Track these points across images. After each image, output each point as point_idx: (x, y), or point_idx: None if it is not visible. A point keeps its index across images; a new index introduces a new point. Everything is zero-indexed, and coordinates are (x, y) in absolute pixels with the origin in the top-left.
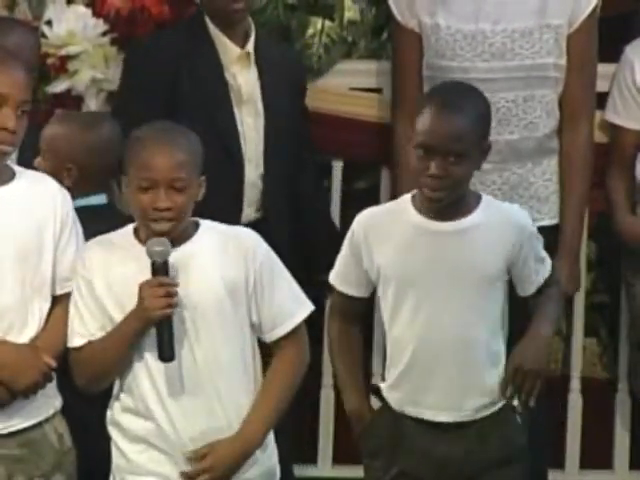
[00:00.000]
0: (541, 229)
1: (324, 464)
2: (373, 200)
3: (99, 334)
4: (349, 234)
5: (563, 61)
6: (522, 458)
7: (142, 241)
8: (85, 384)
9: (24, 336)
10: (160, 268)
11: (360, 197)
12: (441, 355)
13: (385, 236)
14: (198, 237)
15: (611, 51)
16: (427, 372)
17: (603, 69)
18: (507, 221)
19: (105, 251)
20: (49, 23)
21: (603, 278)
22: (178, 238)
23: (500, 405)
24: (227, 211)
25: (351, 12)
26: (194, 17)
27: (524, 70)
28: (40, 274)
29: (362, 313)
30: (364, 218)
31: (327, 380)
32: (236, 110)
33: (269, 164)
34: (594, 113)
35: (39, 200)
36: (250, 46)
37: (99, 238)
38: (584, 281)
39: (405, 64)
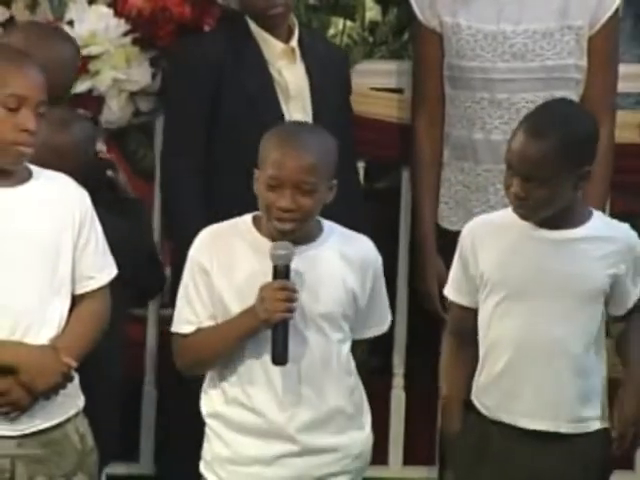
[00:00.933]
0: None
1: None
2: (394, 201)
3: (207, 323)
4: (459, 243)
5: (584, 62)
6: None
7: (262, 232)
8: (186, 369)
9: (42, 337)
10: (282, 272)
11: (381, 198)
12: (535, 363)
13: (491, 242)
14: (322, 240)
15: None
16: (522, 379)
17: (624, 69)
18: (616, 238)
19: (224, 240)
20: (70, 23)
21: None
22: (303, 238)
23: (598, 426)
24: None
25: (372, 12)
26: (234, 17)
27: (545, 71)
28: (59, 274)
29: (474, 330)
30: (471, 226)
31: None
32: (284, 105)
33: None
34: (615, 114)
35: (57, 199)
36: (294, 41)
37: (217, 226)
38: None
39: (426, 63)
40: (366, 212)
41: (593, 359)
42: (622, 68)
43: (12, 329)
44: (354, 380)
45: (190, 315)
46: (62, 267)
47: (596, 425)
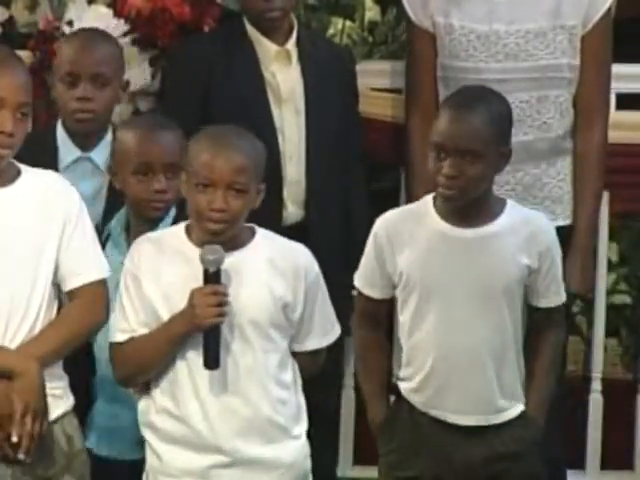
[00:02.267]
0: (555, 230)
1: (345, 464)
2: (393, 201)
3: (141, 330)
4: (371, 236)
5: (577, 62)
6: (535, 452)
7: (193, 241)
8: (123, 379)
9: (22, 332)
10: (213, 276)
11: (380, 198)
12: (462, 361)
13: (407, 240)
14: (253, 245)
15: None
16: (449, 377)
17: (618, 69)
18: (531, 229)
19: (156, 248)
20: (70, 23)
21: (624, 279)
22: (232, 243)
23: (519, 410)
24: (268, 209)
25: (371, 12)
26: (232, 18)
27: (538, 71)
28: (45, 271)
29: (386, 317)
30: (386, 220)
31: (348, 381)
32: (275, 108)
33: (311, 163)
34: (608, 113)
35: (43, 198)
36: (290, 44)
37: (149, 235)
38: (605, 282)
39: (419, 64)
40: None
41: (513, 351)
42: None
43: None
44: (289, 392)
45: (123, 323)
46: (44, 264)
47: (518, 409)
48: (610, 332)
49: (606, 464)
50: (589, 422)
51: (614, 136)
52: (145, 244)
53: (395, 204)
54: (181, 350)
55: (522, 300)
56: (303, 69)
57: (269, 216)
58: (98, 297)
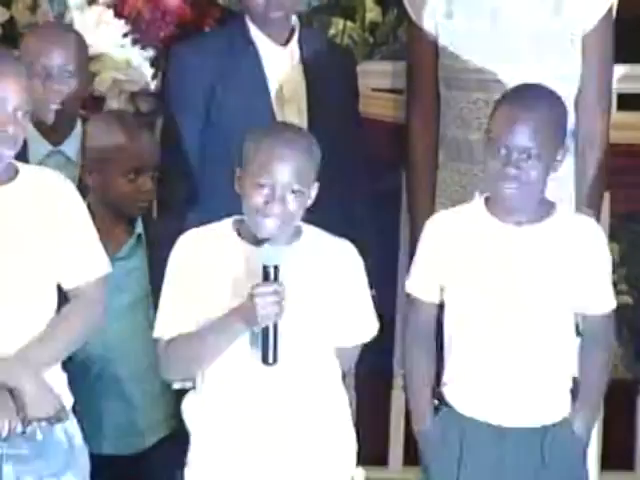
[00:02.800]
0: None
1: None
2: (394, 200)
3: (189, 327)
4: (422, 240)
5: (578, 62)
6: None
7: (244, 238)
8: (170, 375)
9: (24, 333)
10: (272, 273)
11: (381, 198)
12: (508, 362)
13: (458, 239)
14: (302, 241)
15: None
16: (497, 378)
17: (620, 70)
18: (582, 232)
19: (205, 243)
20: (70, 24)
21: (624, 279)
22: (283, 240)
23: (565, 415)
24: None
25: (372, 13)
26: (235, 19)
27: (540, 71)
28: (46, 270)
29: (435, 323)
30: (436, 221)
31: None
32: (278, 109)
33: None
34: (610, 113)
35: (41, 196)
36: (292, 44)
37: (197, 230)
38: None
39: (420, 64)
40: (372, 215)
41: (562, 354)
42: None
43: None
44: (337, 386)
45: (171, 320)
46: (46, 263)
47: (564, 413)
48: None
49: (606, 464)
50: None
51: (614, 136)
52: (197, 240)
53: (395, 204)
54: (234, 346)
55: (570, 305)
56: (305, 69)
57: None
58: (97, 296)
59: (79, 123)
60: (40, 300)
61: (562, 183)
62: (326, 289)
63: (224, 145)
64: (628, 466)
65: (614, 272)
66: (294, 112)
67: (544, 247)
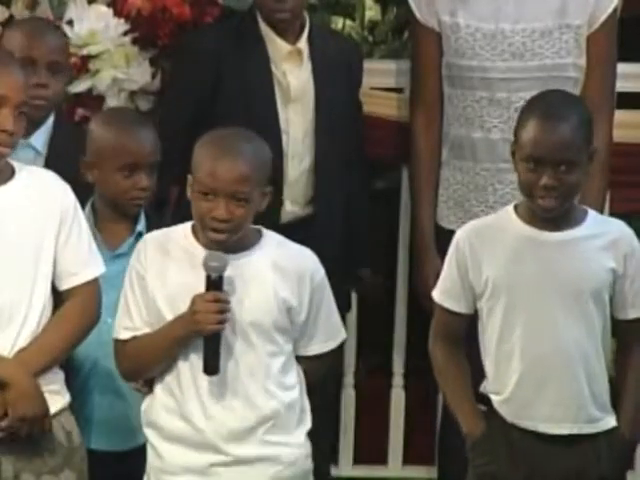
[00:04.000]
0: None
1: (345, 464)
2: (394, 200)
3: (143, 329)
4: (452, 247)
5: (582, 61)
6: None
7: (200, 241)
8: (126, 375)
9: (23, 334)
10: (215, 283)
11: (381, 197)
12: (553, 367)
13: (493, 247)
14: (259, 248)
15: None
16: (540, 384)
17: (623, 69)
18: (615, 235)
19: (163, 248)
20: (70, 23)
21: None
22: (237, 245)
23: (612, 424)
24: (266, 208)
25: (372, 12)
26: (246, 13)
27: (543, 70)
28: (40, 271)
29: (464, 334)
30: (468, 230)
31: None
32: (282, 107)
33: (320, 161)
34: (613, 112)
35: (38, 197)
36: (302, 42)
37: (156, 233)
38: None
39: (425, 62)
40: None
41: (602, 358)
42: None
43: None
44: (291, 395)
45: (127, 321)
46: (43, 264)
47: (611, 423)
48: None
49: None
50: None
51: (614, 135)
52: (152, 243)
53: (395, 204)
54: (184, 351)
55: (609, 309)
56: (314, 68)
57: (266, 214)
58: (92, 297)
59: (52, 117)
60: (36, 301)
61: None
62: (277, 295)
63: None
64: (629, 466)
65: None
66: (298, 112)
67: (576, 252)
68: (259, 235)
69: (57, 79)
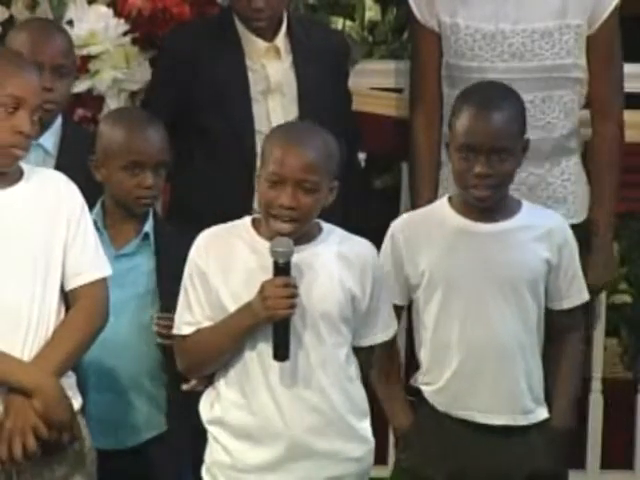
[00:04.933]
0: None
1: None
2: (394, 200)
3: (206, 323)
4: (387, 240)
5: (583, 61)
6: (564, 472)
7: (261, 233)
8: (187, 371)
9: (39, 336)
10: (283, 268)
11: (381, 197)
12: (489, 358)
13: (427, 239)
14: (321, 239)
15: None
16: (477, 374)
17: (627, 69)
18: (549, 226)
19: (223, 243)
20: (70, 23)
21: (624, 278)
22: (301, 238)
23: (544, 416)
24: (239, 199)
25: (372, 12)
26: (223, 12)
27: (544, 71)
28: (52, 273)
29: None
30: (402, 222)
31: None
32: (263, 99)
33: None
34: (622, 112)
35: (46, 199)
36: (279, 39)
37: (215, 229)
38: None
39: (424, 63)
40: (366, 212)
41: (537, 350)
42: None
43: (5, 329)
44: (355, 386)
45: (189, 316)
46: (53, 267)
47: (543, 415)
48: (610, 332)
49: (606, 464)
50: (589, 422)
51: None
52: (212, 239)
53: (395, 204)
54: (251, 342)
55: (543, 300)
56: (295, 61)
57: (238, 208)
58: (100, 297)
59: (59, 119)
60: (49, 303)
61: (565, 183)
62: (343, 285)
63: (199, 134)
64: (628, 466)
65: None
66: (278, 101)
67: (511, 243)
68: (319, 227)
69: (63, 82)
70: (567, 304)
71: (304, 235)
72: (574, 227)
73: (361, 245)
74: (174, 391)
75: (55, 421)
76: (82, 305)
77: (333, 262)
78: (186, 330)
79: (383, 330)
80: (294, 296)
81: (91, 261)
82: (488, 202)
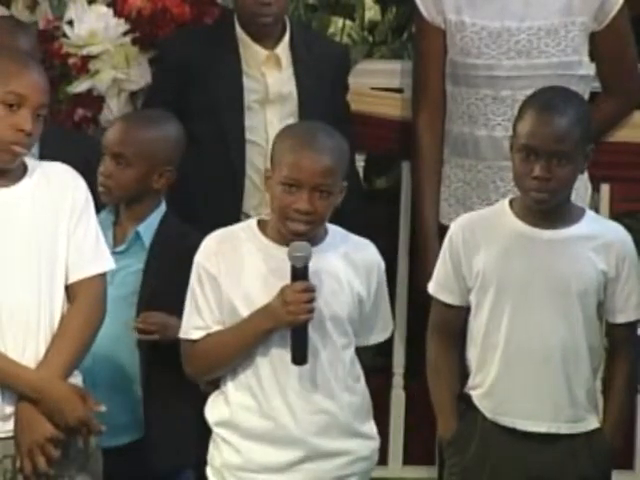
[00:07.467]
0: None
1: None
2: (394, 200)
3: (216, 327)
4: (446, 240)
5: (588, 58)
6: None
7: (269, 236)
8: (196, 375)
9: (46, 334)
10: (301, 272)
11: (381, 197)
12: (533, 364)
13: (485, 241)
14: (328, 242)
15: None
16: (519, 379)
17: None
18: (610, 237)
19: (231, 246)
20: (70, 23)
21: None
22: (309, 240)
23: (594, 426)
24: (227, 206)
25: (372, 12)
26: (222, 18)
27: (550, 68)
28: (58, 269)
29: (460, 329)
30: (461, 223)
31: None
32: (260, 108)
33: None
34: (632, 97)
35: (50, 195)
36: (281, 48)
37: (221, 232)
38: None
39: (429, 60)
40: (365, 212)
41: (586, 359)
42: None
43: (11, 326)
44: (361, 386)
45: (198, 321)
46: (59, 261)
47: (594, 424)
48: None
49: None
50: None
51: (615, 134)
52: (220, 242)
53: (395, 204)
54: (262, 348)
55: (597, 312)
56: (296, 72)
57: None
58: (98, 293)
59: None
60: (56, 301)
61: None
62: (351, 287)
63: (190, 142)
64: (628, 466)
65: None
66: (277, 113)
67: (567, 252)
68: (325, 230)
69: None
70: (622, 318)
71: (312, 237)
72: None
73: (366, 247)
74: (149, 389)
75: (71, 421)
76: (81, 303)
77: (340, 264)
78: (195, 335)
79: (382, 330)
80: (314, 300)
81: (91, 255)
82: (545, 205)
